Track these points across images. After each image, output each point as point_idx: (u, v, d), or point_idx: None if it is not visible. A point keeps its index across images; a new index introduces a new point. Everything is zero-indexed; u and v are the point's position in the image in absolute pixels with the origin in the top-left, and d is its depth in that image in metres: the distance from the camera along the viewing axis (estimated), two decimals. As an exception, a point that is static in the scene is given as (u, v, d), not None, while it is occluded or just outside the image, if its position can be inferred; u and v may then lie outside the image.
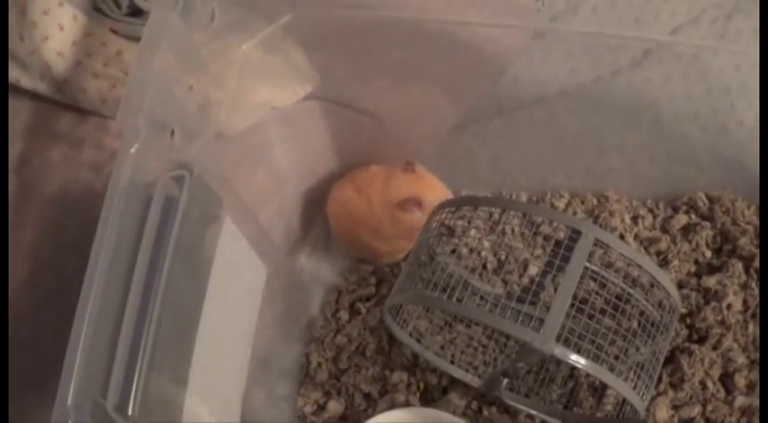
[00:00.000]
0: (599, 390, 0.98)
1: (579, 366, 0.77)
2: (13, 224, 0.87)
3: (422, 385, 1.02)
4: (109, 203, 0.67)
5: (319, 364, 1.06)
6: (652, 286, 0.88)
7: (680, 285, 1.05)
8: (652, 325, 0.88)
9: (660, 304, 0.88)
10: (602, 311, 0.86)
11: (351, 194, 1.06)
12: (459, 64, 1.00)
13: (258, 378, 1.02)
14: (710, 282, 1.03)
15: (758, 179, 1.09)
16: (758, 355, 0.99)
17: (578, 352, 0.78)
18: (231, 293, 0.84)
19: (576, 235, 0.81)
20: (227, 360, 0.85)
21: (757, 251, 1.05)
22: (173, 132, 0.74)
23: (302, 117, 1.02)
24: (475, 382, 0.98)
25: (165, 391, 0.71)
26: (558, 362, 0.99)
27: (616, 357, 0.84)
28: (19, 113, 0.91)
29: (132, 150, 0.68)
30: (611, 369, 0.80)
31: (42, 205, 0.89)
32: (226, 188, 0.81)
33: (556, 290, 1.00)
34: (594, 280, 0.95)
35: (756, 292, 1.02)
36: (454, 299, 0.80)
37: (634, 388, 0.82)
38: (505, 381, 0.89)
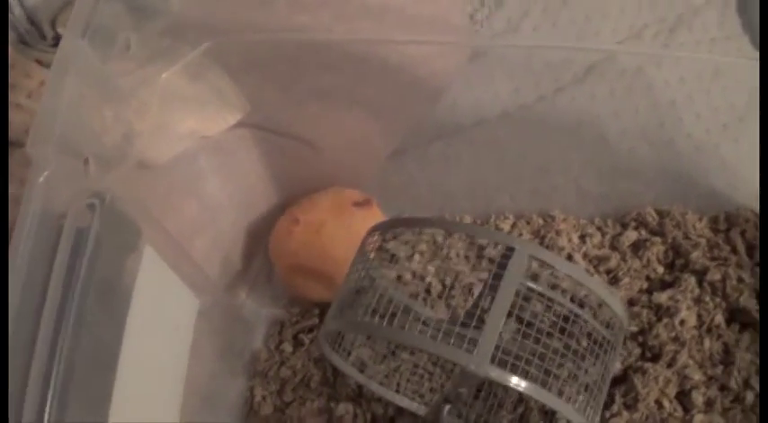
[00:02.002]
0: (549, 414, 0.97)
1: (519, 389, 0.76)
2: None
3: (368, 416, 1.00)
4: (18, 235, 0.66)
5: (263, 398, 1.05)
6: (600, 306, 0.88)
7: (631, 303, 1.04)
8: (600, 345, 0.88)
9: (608, 324, 0.88)
10: (549, 335, 0.86)
11: (294, 228, 1.06)
12: (391, 87, 1.00)
13: (204, 415, 1.02)
14: (662, 298, 1.02)
15: (708, 192, 1.10)
16: (716, 371, 0.98)
17: (526, 376, 0.77)
18: (156, 327, 0.83)
19: (510, 252, 0.81)
20: (154, 396, 0.84)
21: (710, 264, 1.04)
22: (87, 162, 0.74)
23: (234, 146, 1.01)
24: (421, 410, 0.97)
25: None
26: (506, 387, 0.99)
27: (565, 380, 0.84)
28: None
29: (41, 179, 0.67)
30: (560, 392, 0.80)
31: None
32: (146, 217, 0.80)
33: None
34: (541, 302, 0.95)
35: (711, 306, 1.01)
36: (394, 325, 0.80)
37: (580, 409, 0.82)
38: (447, 407, 0.88)
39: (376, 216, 1.06)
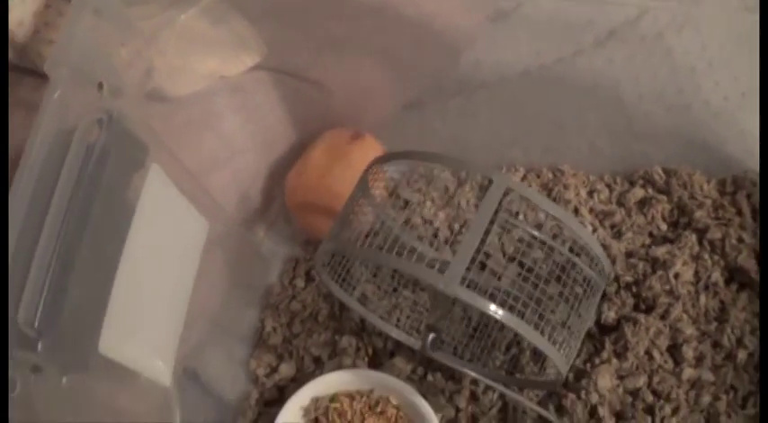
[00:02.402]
0: (540, 356, 1.01)
1: (489, 313, 0.80)
2: None
3: (370, 350, 1.06)
4: (30, 145, 0.72)
5: (274, 329, 1.11)
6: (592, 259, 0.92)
7: (629, 255, 1.07)
8: (592, 290, 0.92)
9: (599, 272, 0.92)
10: (547, 281, 0.90)
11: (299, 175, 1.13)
12: (406, 40, 1.05)
13: (218, 341, 1.08)
14: (659, 251, 1.05)
15: (722, 157, 1.13)
16: (710, 328, 1.01)
17: (524, 312, 0.82)
18: (160, 242, 0.89)
19: (489, 184, 0.85)
20: (152, 309, 0.90)
21: (712, 223, 1.07)
22: (101, 86, 0.81)
23: (253, 88, 1.07)
24: (417, 345, 1.02)
25: (79, 318, 0.75)
26: (501, 327, 1.03)
27: (554, 325, 0.88)
28: (-18, 80, 0.98)
29: (55, 96, 0.73)
30: (549, 336, 0.84)
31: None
32: (154, 138, 0.86)
33: (504, 254, 1.06)
34: (542, 250, 0.99)
35: (709, 263, 1.04)
36: (402, 257, 0.84)
37: (556, 346, 0.86)
38: (431, 336, 0.93)
39: (373, 148, 1.12)
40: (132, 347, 0.85)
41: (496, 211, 0.84)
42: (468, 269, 0.82)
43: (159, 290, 0.91)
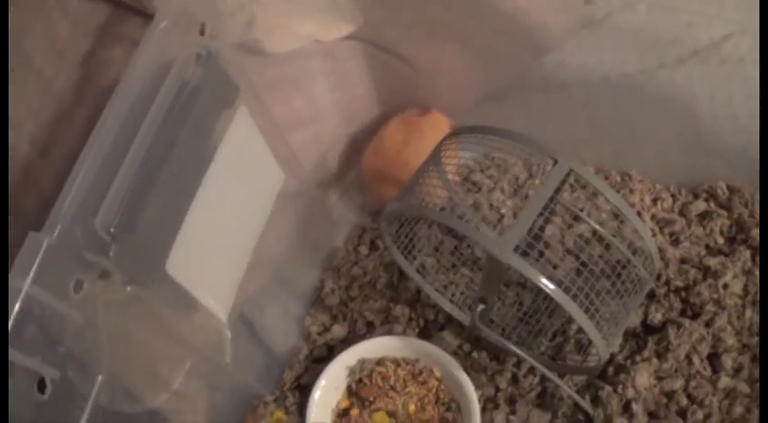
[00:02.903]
0: (584, 347, 1.03)
1: (541, 285, 0.82)
2: (72, 107, 0.98)
3: (421, 322, 1.09)
4: (130, 69, 0.76)
5: (332, 290, 1.15)
6: (648, 257, 0.93)
7: (683, 261, 1.09)
8: (641, 287, 0.94)
9: (651, 271, 0.94)
10: (603, 275, 0.92)
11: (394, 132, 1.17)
12: (497, 30, 1.08)
13: (277, 294, 1.13)
14: (712, 261, 1.06)
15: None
16: (752, 341, 1.02)
17: (575, 299, 0.84)
18: (237, 180, 0.92)
19: (554, 166, 0.87)
20: (222, 241, 0.93)
21: (768, 242, 1.08)
22: (204, 26, 0.84)
23: (344, 55, 1.11)
24: (467, 320, 1.04)
25: (152, 233, 0.78)
26: (550, 315, 1.06)
27: (602, 316, 0.89)
28: (94, 15, 1.02)
29: (161, 25, 0.77)
30: (598, 325, 0.86)
31: (98, 94, 0.99)
32: (246, 82, 0.89)
33: (563, 247, 1.08)
34: (600, 246, 1.01)
35: (759, 280, 1.05)
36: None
37: (601, 332, 0.87)
38: (480, 307, 0.95)
39: (443, 122, 1.15)
40: (197, 276, 0.88)
41: (558, 190, 0.86)
42: (526, 247, 0.84)
43: (228, 228, 0.95)
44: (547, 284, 0.82)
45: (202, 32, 0.84)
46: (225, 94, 0.88)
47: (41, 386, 0.68)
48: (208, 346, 0.95)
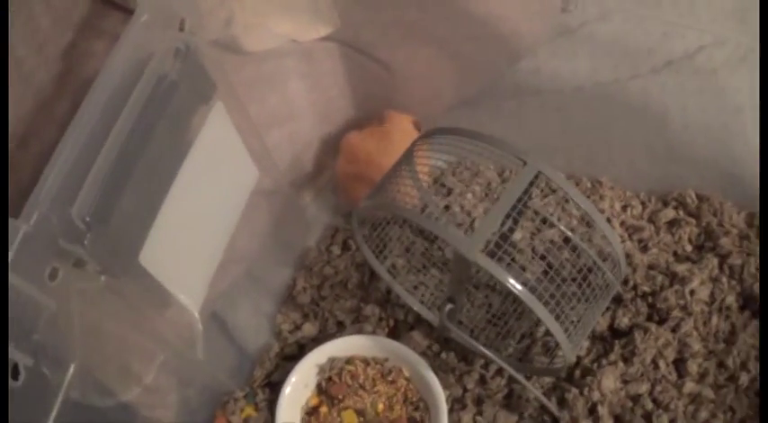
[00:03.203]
0: (551, 349, 1.04)
1: (504, 281, 0.83)
2: (52, 99, 0.98)
3: (391, 322, 1.10)
4: (110, 61, 0.76)
5: (304, 289, 1.15)
6: (617, 263, 0.94)
7: (651, 267, 1.10)
8: (607, 291, 0.94)
9: (614, 271, 0.95)
10: (572, 280, 0.92)
11: (365, 137, 1.17)
12: (472, 35, 1.09)
13: (249, 292, 1.13)
14: (679, 267, 1.07)
15: (754, 191, 1.14)
16: (718, 347, 1.03)
17: (545, 305, 0.85)
18: (211, 175, 0.92)
19: (522, 167, 0.88)
20: (195, 236, 0.93)
21: (735, 249, 1.10)
22: (183, 22, 0.85)
23: (321, 56, 1.11)
24: (436, 321, 1.05)
25: (127, 224, 0.79)
26: (519, 317, 1.06)
27: (572, 321, 0.90)
28: (76, 9, 1.02)
29: (141, 19, 0.78)
30: (566, 330, 0.87)
31: (78, 87, 1.00)
32: (223, 79, 0.90)
33: (534, 253, 1.09)
34: (569, 252, 1.02)
35: (726, 287, 1.06)
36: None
37: (567, 334, 0.88)
38: (449, 306, 0.95)
39: (403, 120, 1.16)
40: (169, 268, 0.88)
41: (526, 191, 0.87)
42: (494, 248, 0.85)
43: (201, 223, 0.95)
44: (514, 284, 0.83)
45: (182, 28, 0.84)
46: (202, 90, 0.88)
47: (15, 373, 0.68)
48: (180, 340, 0.95)
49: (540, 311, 0.85)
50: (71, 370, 0.77)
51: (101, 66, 0.78)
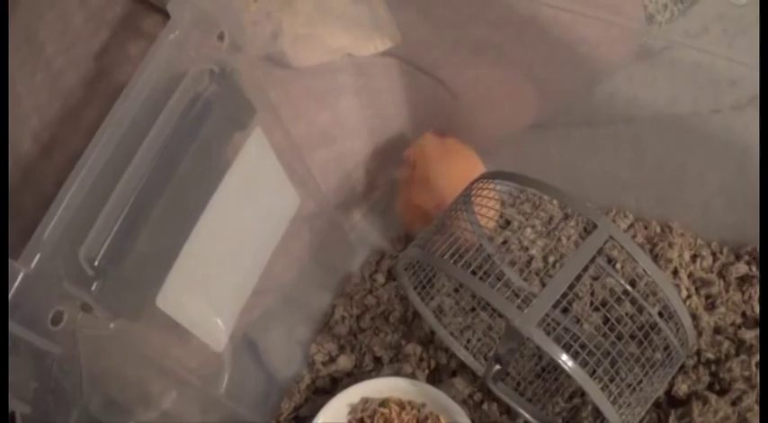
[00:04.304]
0: (602, 415, 0.94)
1: (559, 361, 0.75)
2: (81, 105, 0.91)
3: (432, 364, 1.00)
4: (134, 82, 0.68)
5: (342, 318, 1.06)
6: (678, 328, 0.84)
7: (717, 331, 0.99)
8: (671, 361, 0.85)
9: (683, 342, 0.85)
10: (633, 337, 0.84)
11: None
12: (547, 57, 0.98)
13: (284, 315, 1.04)
14: (747, 335, 0.96)
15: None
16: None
17: (595, 367, 0.77)
18: (246, 205, 0.84)
19: (592, 229, 0.78)
20: (225, 268, 0.85)
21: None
22: (222, 36, 0.75)
23: (378, 73, 1.02)
24: (481, 371, 0.96)
25: (144, 265, 0.71)
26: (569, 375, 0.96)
27: (628, 385, 0.81)
28: (112, 7, 0.94)
29: (172, 36, 0.69)
30: (617, 395, 0.78)
31: (109, 94, 0.92)
32: (264, 101, 0.81)
33: (592, 300, 0.99)
34: (634, 303, 0.92)
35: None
36: (486, 283, 0.78)
37: (620, 409, 0.79)
38: (496, 367, 0.86)
39: (476, 163, 1.06)
40: (191, 308, 0.80)
41: (593, 259, 0.77)
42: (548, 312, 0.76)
43: (234, 255, 0.86)
44: (566, 362, 0.75)
45: (221, 38, 0.75)
46: (239, 115, 0.79)
47: (11, 420, 0.63)
48: (200, 376, 0.87)
49: (593, 391, 0.76)
50: (74, 414, 0.70)
51: (133, 73, 0.69)
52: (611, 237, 0.77)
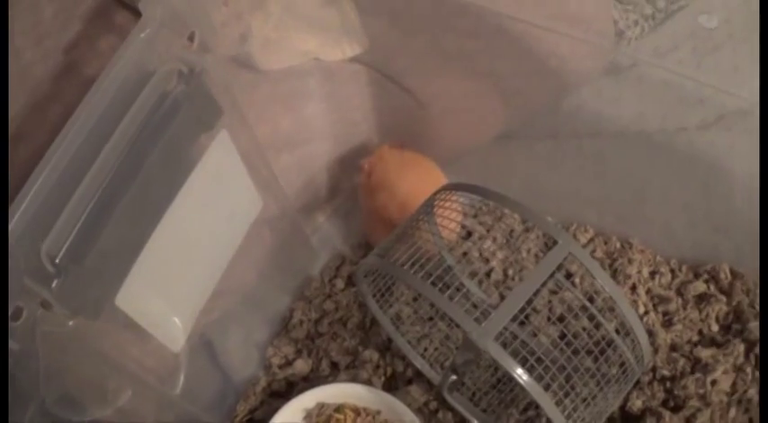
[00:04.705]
0: (556, 426, 0.94)
1: (514, 376, 0.74)
2: (49, 98, 0.89)
3: (389, 371, 1.00)
4: (102, 79, 0.67)
5: (300, 322, 1.06)
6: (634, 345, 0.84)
7: (673, 348, 0.99)
8: (626, 377, 0.85)
9: (638, 359, 0.85)
10: (589, 352, 0.84)
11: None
12: (516, 69, 0.98)
13: (240, 317, 1.02)
14: (703, 353, 0.96)
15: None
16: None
17: (551, 382, 0.76)
18: (209, 206, 0.83)
19: (553, 245, 0.78)
20: (186, 269, 0.84)
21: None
22: (192, 36, 0.75)
23: (346, 78, 1.01)
24: (437, 379, 0.95)
25: (104, 264, 0.70)
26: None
27: (583, 399, 0.81)
28: (85, 1, 0.93)
29: (142, 35, 0.69)
30: (571, 411, 0.78)
31: (79, 86, 0.91)
32: (231, 104, 0.81)
33: (550, 316, 0.98)
34: (592, 319, 0.92)
35: (749, 378, 0.94)
36: (446, 295, 0.78)
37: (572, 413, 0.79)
38: (452, 377, 0.86)
39: (437, 173, 1.05)
40: (151, 307, 0.80)
41: (552, 274, 0.77)
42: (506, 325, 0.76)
43: (195, 256, 0.86)
44: (521, 376, 0.75)
45: (191, 39, 0.75)
46: (206, 116, 0.79)
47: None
48: (156, 375, 0.87)
49: (549, 407, 0.76)
50: (31, 409, 0.69)
51: (102, 68, 0.68)
52: (570, 253, 0.77)
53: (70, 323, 0.69)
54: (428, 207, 0.88)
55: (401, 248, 0.84)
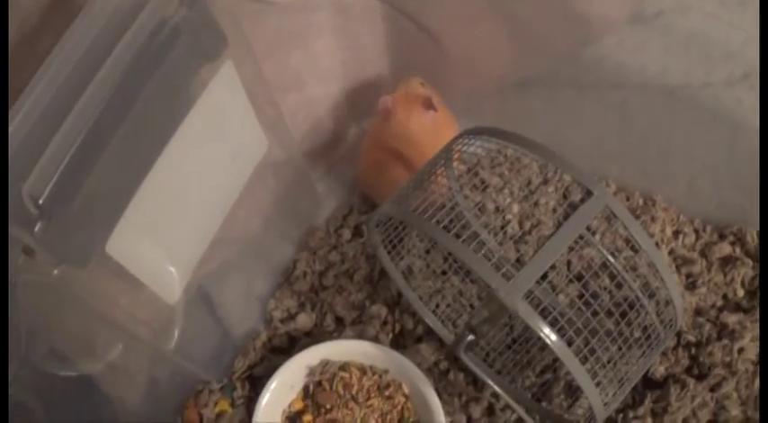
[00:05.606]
0: (575, 392, 0.85)
1: (542, 336, 0.65)
2: (38, 30, 0.81)
3: (397, 328, 0.91)
4: (93, 3, 0.60)
5: (304, 274, 0.97)
6: (667, 304, 0.76)
7: (698, 313, 0.91)
8: (650, 342, 0.76)
9: (667, 324, 0.77)
10: (609, 314, 0.76)
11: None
12: (540, 12, 0.91)
13: (241, 268, 0.94)
14: (730, 319, 0.88)
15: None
16: (756, 415, 0.85)
17: (568, 344, 0.67)
18: (210, 146, 0.75)
19: (587, 197, 0.69)
20: (184, 213, 0.76)
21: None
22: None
23: (359, 14, 0.93)
24: (449, 338, 0.87)
25: (94, 207, 0.62)
26: (543, 347, 0.88)
27: (603, 364, 0.73)
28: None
29: None
30: (594, 373, 0.70)
31: (70, 17, 0.83)
32: (238, 34, 0.72)
33: (569, 271, 0.90)
34: (613, 278, 0.84)
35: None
36: (460, 241, 0.69)
37: (603, 391, 0.71)
38: (469, 337, 0.77)
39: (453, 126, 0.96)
40: (144, 255, 0.71)
41: (588, 228, 0.68)
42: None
43: (193, 200, 0.77)
44: (549, 335, 0.66)
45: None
46: (209, 44, 0.70)
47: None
48: (153, 323, 0.79)
49: (577, 370, 0.67)
50: (14, 365, 0.64)
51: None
52: (606, 205, 0.68)
53: (55, 271, 0.61)
54: (447, 154, 0.79)
55: (418, 197, 0.75)
